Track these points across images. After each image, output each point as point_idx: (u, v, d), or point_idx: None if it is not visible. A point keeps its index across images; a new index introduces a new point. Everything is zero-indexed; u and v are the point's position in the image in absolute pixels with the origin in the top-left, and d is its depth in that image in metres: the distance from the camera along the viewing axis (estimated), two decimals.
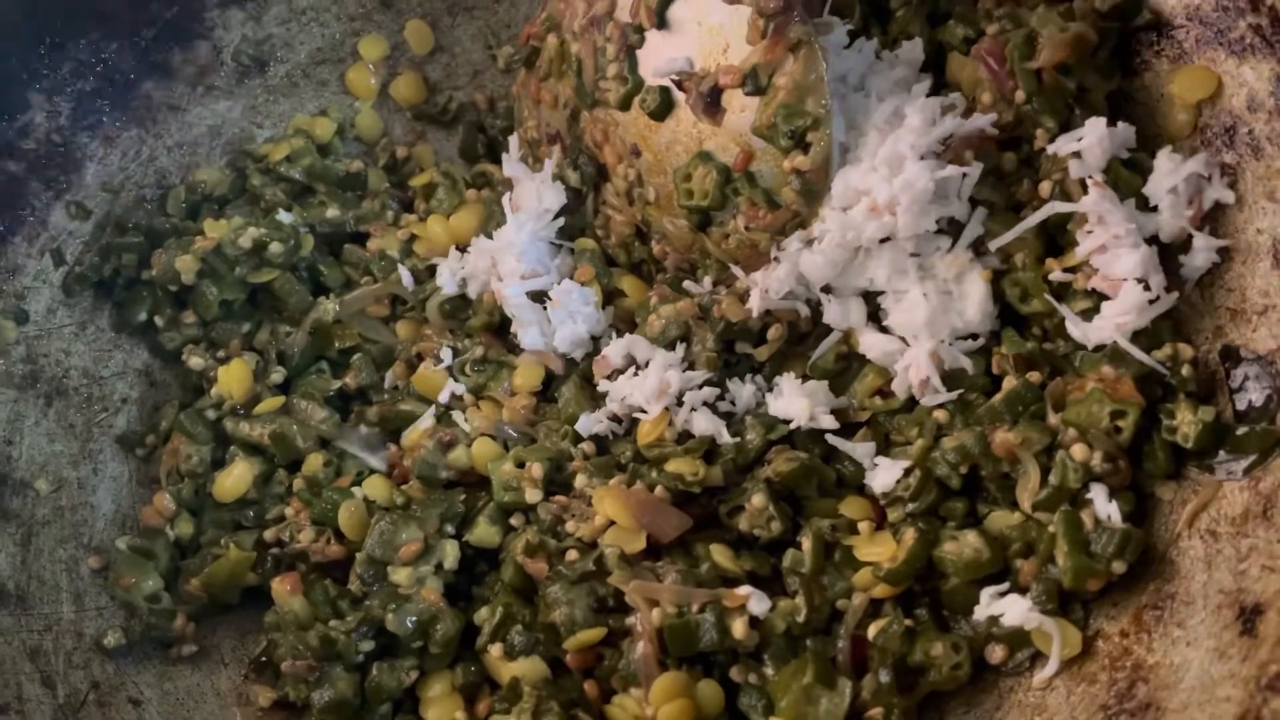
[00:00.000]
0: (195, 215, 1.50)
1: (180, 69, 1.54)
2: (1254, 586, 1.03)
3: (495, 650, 1.19)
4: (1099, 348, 1.18)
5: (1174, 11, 1.23)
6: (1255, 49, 1.17)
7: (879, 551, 1.17)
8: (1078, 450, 1.12)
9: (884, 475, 1.20)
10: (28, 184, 1.43)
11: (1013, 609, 1.12)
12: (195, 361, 1.43)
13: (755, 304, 1.27)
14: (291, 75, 1.61)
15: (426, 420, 1.36)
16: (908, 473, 1.19)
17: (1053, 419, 1.16)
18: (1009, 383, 1.19)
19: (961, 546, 1.15)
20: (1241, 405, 1.13)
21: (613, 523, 1.20)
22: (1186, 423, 1.13)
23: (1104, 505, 1.12)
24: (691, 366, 1.29)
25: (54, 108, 1.46)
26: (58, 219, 1.45)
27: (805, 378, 1.28)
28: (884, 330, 1.26)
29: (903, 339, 1.24)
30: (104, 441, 1.41)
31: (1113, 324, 1.16)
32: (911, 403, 1.24)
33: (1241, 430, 1.11)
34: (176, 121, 1.54)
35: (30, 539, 1.32)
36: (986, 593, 1.14)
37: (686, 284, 1.35)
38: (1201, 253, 1.17)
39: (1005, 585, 1.14)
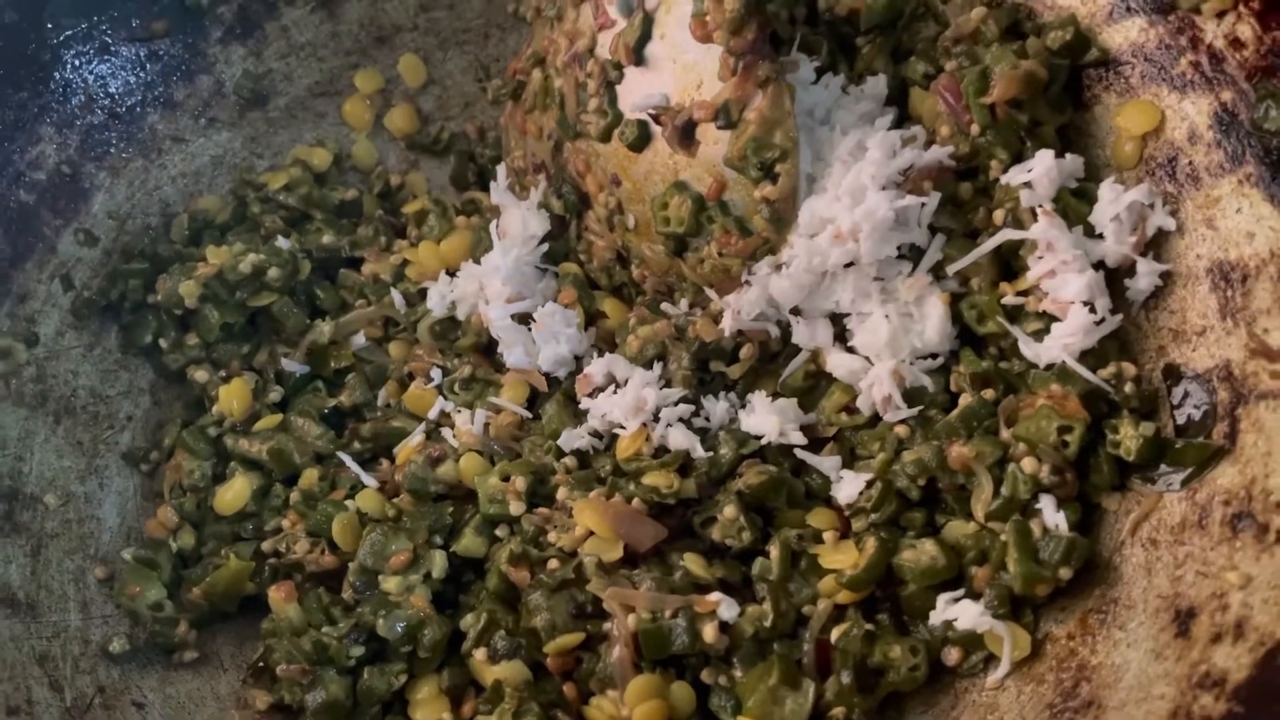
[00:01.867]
0: (198, 241, 1.57)
1: (184, 102, 1.61)
2: (1189, 591, 1.09)
3: (480, 654, 1.25)
4: (1049, 366, 1.24)
5: (1121, 49, 1.30)
6: (1195, 85, 1.24)
7: (842, 560, 1.23)
8: (1027, 463, 1.19)
9: (848, 487, 1.26)
10: (38, 213, 1.50)
11: (967, 613, 1.18)
12: (200, 375, 1.49)
13: (728, 325, 1.34)
14: (290, 108, 1.67)
15: (417, 436, 1.42)
16: (870, 485, 1.25)
17: (1005, 434, 1.22)
18: (965, 400, 1.26)
19: (920, 554, 1.22)
20: (1181, 420, 1.20)
21: (592, 533, 1.26)
22: (1129, 437, 1.19)
23: (1052, 515, 1.18)
24: (668, 384, 1.35)
25: (64, 140, 1.53)
26: (66, 246, 1.51)
27: (775, 395, 1.34)
28: (849, 350, 1.32)
29: (867, 358, 1.30)
30: (110, 458, 1.47)
31: (1061, 344, 1.22)
32: (875, 418, 1.31)
33: (1180, 444, 1.18)
34: (180, 152, 1.61)
35: (40, 550, 1.38)
36: (942, 598, 1.20)
37: (664, 306, 1.42)
38: (1145, 277, 1.24)
39: (960, 591, 1.20)
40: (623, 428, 1.33)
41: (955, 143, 1.30)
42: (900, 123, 1.36)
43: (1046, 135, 1.31)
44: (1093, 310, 1.23)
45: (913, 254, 1.30)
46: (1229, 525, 1.09)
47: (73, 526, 1.41)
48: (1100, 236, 1.26)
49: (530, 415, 1.42)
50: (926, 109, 1.35)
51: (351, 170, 1.69)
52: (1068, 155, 1.28)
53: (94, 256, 1.52)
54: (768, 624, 1.21)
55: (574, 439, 1.36)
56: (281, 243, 1.53)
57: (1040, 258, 1.25)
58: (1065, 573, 1.16)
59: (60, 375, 1.48)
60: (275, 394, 1.48)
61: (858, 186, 1.27)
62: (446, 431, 1.41)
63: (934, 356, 1.30)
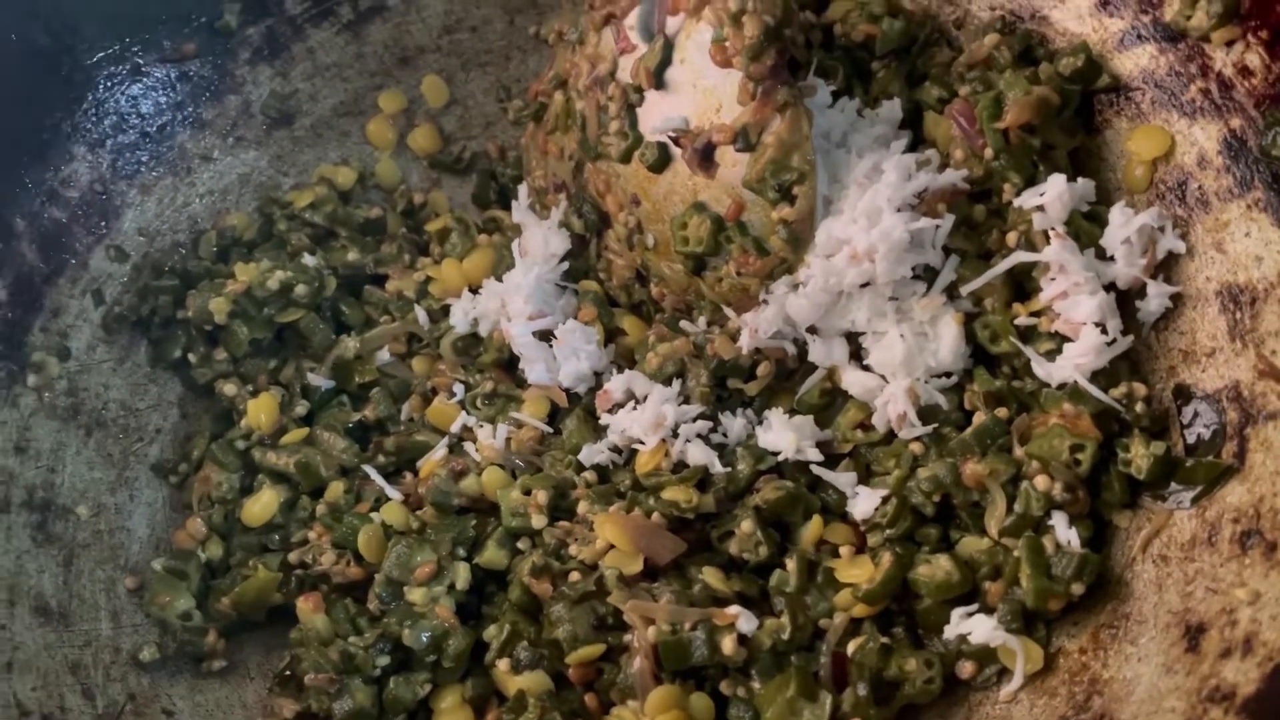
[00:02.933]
0: (225, 258, 1.60)
1: (212, 122, 1.65)
2: (1199, 607, 1.11)
3: (503, 665, 1.27)
4: (1061, 386, 1.26)
5: (1132, 75, 1.33)
6: (1205, 111, 1.27)
7: (858, 574, 1.25)
8: (1040, 481, 1.21)
9: (864, 503, 1.29)
10: (71, 230, 1.53)
11: (980, 628, 1.20)
12: (229, 389, 1.52)
13: (746, 343, 1.36)
14: (316, 127, 1.71)
15: (440, 450, 1.45)
16: (885, 501, 1.28)
17: (1018, 451, 1.25)
18: (979, 418, 1.28)
19: (934, 569, 1.24)
20: (1191, 439, 1.22)
21: (612, 546, 1.29)
22: (1140, 456, 1.21)
23: (1064, 532, 1.21)
24: (686, 401, 1.37)
25: (96, 159, 1.56)
26: (98, 262, 1.54)
27: (793, 412, 1.36)
28: (865, 368, 1.34)
29: (882, 377, 1.33)
30: (140, 469, 1.50)
31: (1073, 364, 1.25)
32: (890, 435, 1.33)
33: (1190, 463, 1.20)
34: (208, 171, 1.64)
35: (71, 560, 1.41)
36: (957, 613, 1.23)
37: (682, 324, 1.44)
38: (1155, 299, 1.27)
39: (974, 606, 1.23)
40: (642, 443, 1.35)
41: (969, 166, 1.33)
42: (915, 146, 1.39)
43: (1059, 159, 1.34)
44: (1104, 331, 1.25)
45: (927, 274, 1.33)
46: (1238, 543, 1.12)
47: (104, 537, 1.44)
48: (1111, 259, 1.28)
49: (551, 430, 1.44)
50: (941, 133, 1.38)
51: (375, 189, 1.72)
52: (1079, 179, 1.31)
53: (124, 272, 1.56)
54: (785, 636, 1.23)
55: (594, 454, 1.38)
56: (308, 260, 1.56)
57: (1052, 279, 1.28)
58: (1077, 588, 1.18)
59: (91, 389, 1.51)
60: (302, 408, 1.51)
61: (873, 208, 1.30)
62: (469, 445, 1.44)
63: (948, 375, 1.32)
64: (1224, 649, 1.06)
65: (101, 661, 1.35)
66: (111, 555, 1.44)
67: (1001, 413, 1.27)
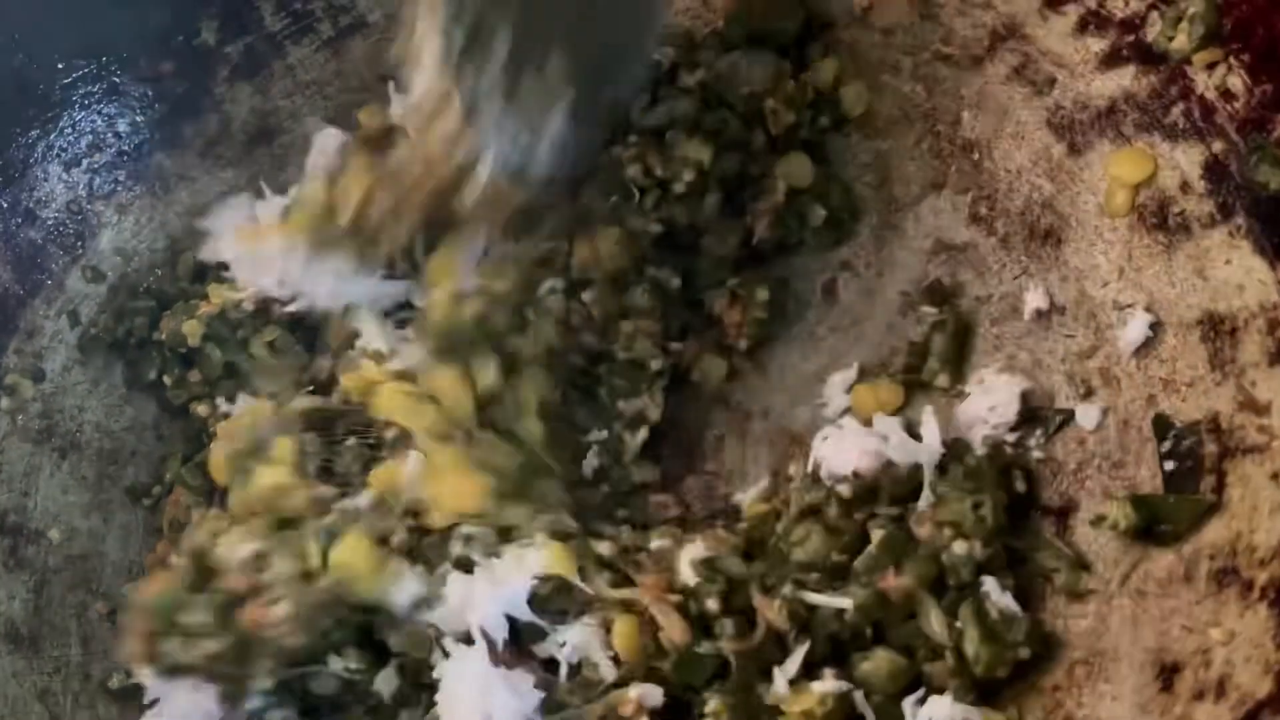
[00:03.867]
0: (202, 278, 1.58)
1: (191, 141, 1.64)
2: (1174, 646, 1.09)
3: None
4: None
5: (1114, 97, 1.31)
6: (1187, 134, 1.24)
7: (805, 700, 1.14)
8: (958, 546, 1.16)
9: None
10: (46, 250, 1.53)
11: (940, 710, 1.12)
12: (203, 409, 1.51)
13: None
14: (296, 144, 1.69)
15: None
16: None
17: (923, 532, 1.18)
18: (876, 532, 1.19)
19: (877, 664, 1.16)
20: (1169, 469, 1.19)
21: None
22: (1117, 509, 1.17)
23: (998, 594, 1.15)
24: None
25: (72, 179, 1.56)
26: (74, 283, 1.54)
27: None
28: None
29: None
30: (114, 492, 1.50)
31: None
32: None
33: (1172, 499, 1.16)
34: (186, 189, 1.63)
35: (43, 586, 1.40)
36: (908, 704, 1.14)
37: None
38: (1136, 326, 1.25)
39: (921, 691, 1.15)
40: None
41: None
42: None
43: None
44: None
45: None
46: (1215, 580, 1.09)
47: (76, 562, 1.44)
48: None
49: None
50: None
51: None
52: None
53: (100, 293, 1.55)
54: None
55: None
56: None
57: None
58: (1025, 651, 1.14)
59: (66, 411, 1.50)
60: None
61: None
62: None
63: None
64: (1198, 690, 1.03)
65: (70, 689, 1.35)
66: (83, 580, 1.43)
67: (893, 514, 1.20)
